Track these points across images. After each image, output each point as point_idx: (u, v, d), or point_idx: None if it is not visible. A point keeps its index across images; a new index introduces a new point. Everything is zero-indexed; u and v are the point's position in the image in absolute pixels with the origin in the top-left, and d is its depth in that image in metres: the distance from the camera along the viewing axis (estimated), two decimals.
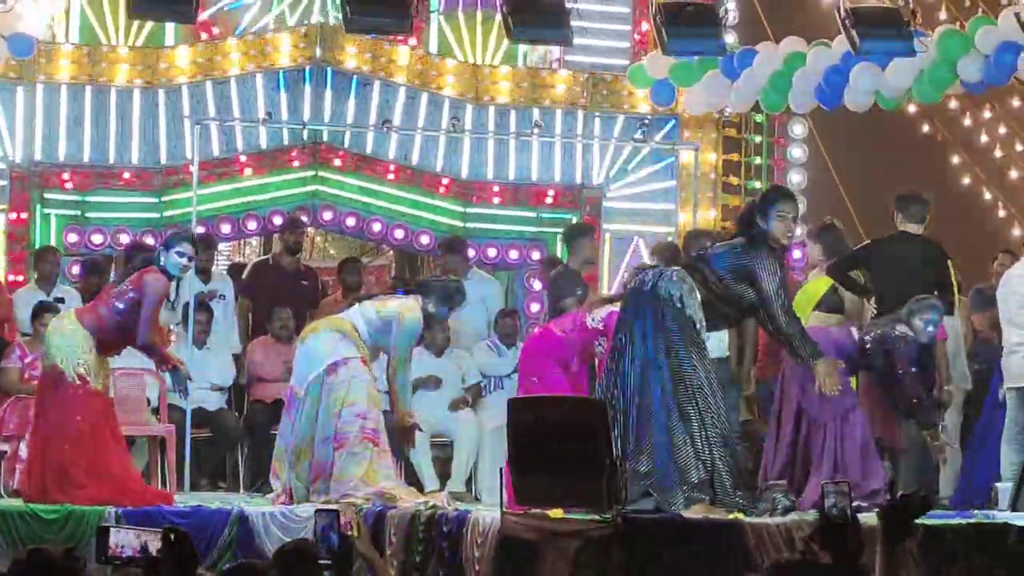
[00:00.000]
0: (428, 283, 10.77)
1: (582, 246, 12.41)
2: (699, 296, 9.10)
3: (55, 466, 9.75)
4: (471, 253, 13.49)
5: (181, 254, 10.01)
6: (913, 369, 9.99)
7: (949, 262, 10.99)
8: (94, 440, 9.84)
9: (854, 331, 10.12)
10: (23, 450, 10.36)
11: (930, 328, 10.10)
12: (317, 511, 5.93)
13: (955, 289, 10.94)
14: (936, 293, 10.44)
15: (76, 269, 12.98)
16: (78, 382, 9.79)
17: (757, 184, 15.43)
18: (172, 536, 5.06)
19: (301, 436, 10.12)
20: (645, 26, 14.50)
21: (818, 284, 11.27)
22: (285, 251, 13.19)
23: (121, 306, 9.95)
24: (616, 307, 9.65)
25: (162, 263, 9.99)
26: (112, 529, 5.20)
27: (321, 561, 5.60)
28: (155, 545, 5.10)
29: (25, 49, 13.12)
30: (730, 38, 13.90)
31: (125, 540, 5.14)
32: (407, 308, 10.30)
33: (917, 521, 5.19)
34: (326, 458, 10.01)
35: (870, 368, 10.13)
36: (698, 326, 9.09)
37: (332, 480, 9.95)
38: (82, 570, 5.20)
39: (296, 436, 10.13)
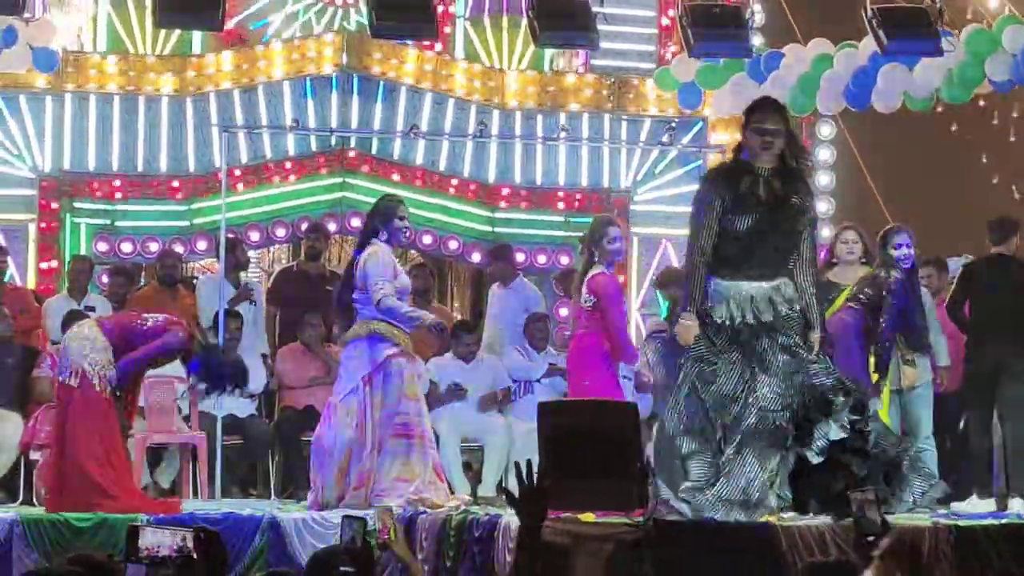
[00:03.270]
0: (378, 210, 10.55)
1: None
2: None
3: (82, 479, 9.75)
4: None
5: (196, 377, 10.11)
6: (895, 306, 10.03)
7: None
8: (116, 449, 9.86)
9: (853, 305, 10.12)
10: None
11: (902, 254, 10.16)
12: (344, 518, 5.92)
13: None
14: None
15: (107, 278, 13.02)
16: (99, 388, 9.80)
17: None
18: (202, 535, 5.07)
19: (341, 448, 10.12)
20: (670, 28, 14.48)
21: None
22: (305, 257, 13.20)
23: (143, 326, 9.97)
24: (597, 269, 9.87)
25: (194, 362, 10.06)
26: (145, 529, 5.17)
27: (344, 568, 5.56)
28: (191, 545, 5.09)
29: (48, 64, 13.18)
30: (757, 40, 13.88)
31: (161, 539, 5.11)
32: (368, 253, 10.22)
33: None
34: (370, 467, 10.03)
35: (865, 319, 10.12)
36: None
37: (372, 483, 9.97)
38: (123, 572, 5.20)
39: (337, 446, 10.13)
